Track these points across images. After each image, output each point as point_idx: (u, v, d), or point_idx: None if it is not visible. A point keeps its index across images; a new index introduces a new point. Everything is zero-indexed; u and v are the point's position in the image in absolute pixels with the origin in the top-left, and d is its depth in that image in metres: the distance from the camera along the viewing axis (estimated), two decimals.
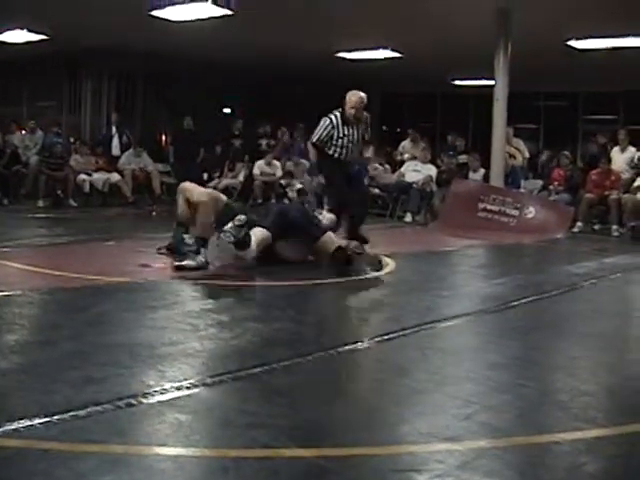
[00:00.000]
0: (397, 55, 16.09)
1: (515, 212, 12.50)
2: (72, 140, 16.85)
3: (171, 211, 14.18)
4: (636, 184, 12.51)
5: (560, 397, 3.65)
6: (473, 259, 8.06)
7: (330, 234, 7.41)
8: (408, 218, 13.54)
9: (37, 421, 2.88)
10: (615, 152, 13.75)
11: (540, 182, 14.67)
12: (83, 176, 14.50)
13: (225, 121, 19.77)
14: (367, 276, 7.09)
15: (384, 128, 21.55)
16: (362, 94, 8.95)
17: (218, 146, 16.98)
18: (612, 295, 7.19)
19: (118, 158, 15.55)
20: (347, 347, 4.30)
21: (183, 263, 6.56)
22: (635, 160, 13.39)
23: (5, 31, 14.56)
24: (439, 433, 3.00)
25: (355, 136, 8.79)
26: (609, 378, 4.12)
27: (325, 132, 8.71)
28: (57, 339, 4.20)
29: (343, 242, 7.51)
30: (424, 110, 22.20)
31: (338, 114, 8.81)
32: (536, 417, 3.35)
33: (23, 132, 16.12)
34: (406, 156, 15.26)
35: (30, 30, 14.44)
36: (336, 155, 8.68)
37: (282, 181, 15.17)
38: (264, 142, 16.97)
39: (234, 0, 10.80)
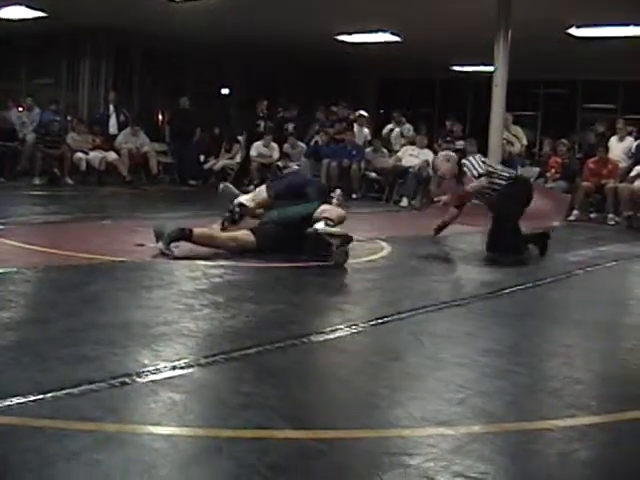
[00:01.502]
0: (397, 39, 16.06)
1: None
2: (69, 118, 16.79)
3: (166, 191, 14.23)
4: (633, 173, 12.51)
5: (553, 384, 3.66)
6: (469, 245, 8.06)
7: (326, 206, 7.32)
8: (404, 202, 13.57)
9: (30, 398, 2.88)
10: (613, 141, 13.76)
11: (537, 169, 14.66)
12: (80, 154, 14.47)
13: (223, 102, 19.77)
14: (363, 259, 7.09)
15: (381, 112, 21.50)
16: None
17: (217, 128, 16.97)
18: (607, 283, 7.20)
19: (115, 137, 15.53)
20: (341, 330, 4.30)
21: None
22: (633, 149, 13.40)
23: (3, 7, 14.49)
24: (432, 417, 3.01)
25: None
26: (602, 366, 4.13)
27: None
28: (52, 317, 4.20)
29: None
30: (423, 95, 22.18)
31: None
32: (529, 403, 3.36)
33: (20, 109, 16.06)
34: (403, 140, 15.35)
35: (28, 6, 14.37)
36: None
37: (279, 163, 15.16)
38: (290, 126, 16.74)
39: None
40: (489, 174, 7.95)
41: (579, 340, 4.68)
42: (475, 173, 7.93)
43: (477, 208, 9.42)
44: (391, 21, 14.73)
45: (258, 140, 15.63)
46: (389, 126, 16.32)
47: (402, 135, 15.56)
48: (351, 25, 15.19)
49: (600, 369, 4.05)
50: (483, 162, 8.13)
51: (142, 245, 6.81)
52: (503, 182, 7.97)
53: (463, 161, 8.19)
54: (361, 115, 16.17)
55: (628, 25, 13.31)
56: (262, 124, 16.76)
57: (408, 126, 15.98)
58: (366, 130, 15.90)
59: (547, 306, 5.72)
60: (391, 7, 13.25)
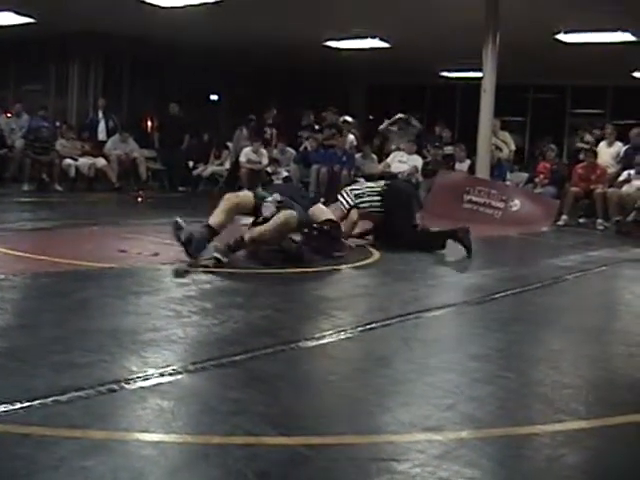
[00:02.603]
0: (385, 45, 16.10)
1: (500, 204, 12.55)
2: (58, 124, 16.78)
3: (156, 197, 14.21)
4: (621, 178, 12.56)
5: (541, 389, 3.66)
6: (458, 250, 8.06)
7: (320, 206, 7.61)
8: None
9: (18, 406, 2.87)
10: (602, 146, 13.81)
11: (526, 175, 14.71)
12: (69, 160, 14.47)
13: (212, 108, 19.77)
14: (352, 265, 7.09)
15: (370, 118, 21.55)
16: None
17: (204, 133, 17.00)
18: (596, 288, 7.23)
19: (104, 143, 15.54)
20: (330, 336, 4.30)
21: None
22: (621, 154, 13.45)
23: None
24: (420, 423, 3.00)
25: None
26: (591, 371, 4.14)
27: None
28: (39, 324, 4.19)
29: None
30: (411, 101, 22.21)
31: None
32: (517, 409, 3.36)
33: (9, 115, 16.04)
34: (393, 146, 15.28)
35: (17, 12, 14.37)
36: None
37: (268, 169, 15.17)
38: (305, 134, 16.41)
39: None
40: (359, 197, 8.45)
41: (568, 345, 4.70)
42: (345, 207, 8.42)
43: (470, 215, 9.52)
44: (379, 27, 14.78)
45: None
46: (385, 123, 16.14)
47: (408, 140, 15.17)
48: (340, 31, 15.22)
49: (589, 374, 4.06)
50: (351, 190, 8.60)
51: (124, 251, 6.82)
52: (376, 198, 8.44)
53: (338, 197, 8.60)
54: (346, 121, 16.11)
55: (616, 31, 13.38)
56: (269, 131, 16.77)
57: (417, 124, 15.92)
58: (351, 136, 15.84)
59: (536, 311, 5.72)
60: (379, 13, 13.31)
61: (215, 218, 6.63)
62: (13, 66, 18.77)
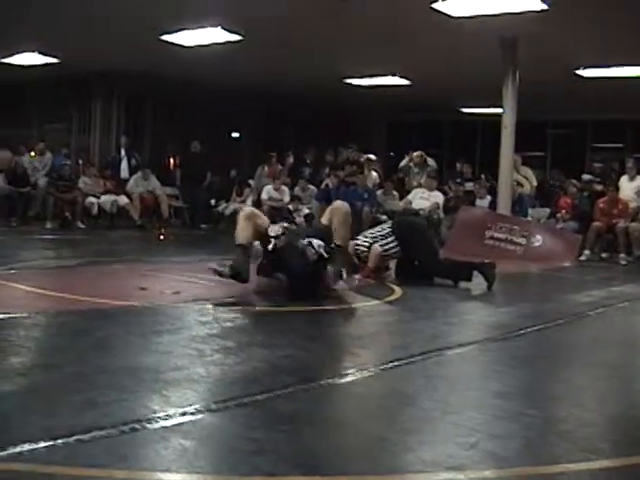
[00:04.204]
0: (405, 82, 16.16)
1: (522, 240, 12.50)
2: (81, 162, 16.92)
3: (178, 235, 14.26)
4: None
5: (565, 427, 3.63)
6: (479, 287, 8.04)
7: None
8: None
9: (41, 445, 2.87)
10: (623, 181, 13.75)
11: (547, 210, 14.66)
12: (91, 198, 14.56)
13: (233, 146, 19.87)
14: (375, 302, 7.09)
15: (391, 154, 21.60)
16: None
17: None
18: (619, 324, 7.17)
19: (126, 181, 15.61)
20: (353, 374, 4.29)
21: None
22: None
23: (17, 53, 14.66)
24: (443, 462, 2.98)
25: None
26: (615, 408, 4.09)
27: None
28: (62, 362, 4.20)
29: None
30: (432, 137, 22.26)
31: None
32: (541, 447, 3.33)
33: (32, 154, 16.19)
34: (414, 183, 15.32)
35: (41, 53, 14.55)
36: None
37: (290, 206, 15.19)
38: (307, 170, 17.02)
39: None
40: (374, 240, 8.57)
41: (591, 382, 4.66)
42: (364, 248, 8.55)
43: (492, 251, 9.50)
44: (399, 65, 14.84)
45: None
46: (406, 159, 16.23)
47: (428, 176, 15.15)
48: (359, 69, 15.31)
49: (612, 411, 4.02)
50: (365, 237, 8.72)
51: (146, 289, 6.85)
52: (390, 239, 8.54)
53: (355, 244, 8.64)
54: (369, 159, 16.17)
55: (635, 65, 13.38)
56: (307, 171, 16.91)
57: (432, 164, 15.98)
58: (374, 174, 15.89)
59: (559, 348, 5.69)
60: (400, 51, 13.38)
61: (241, 235, 6.97)
62: (36, 105, 18.96)
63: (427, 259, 8.43)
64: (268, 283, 7.19)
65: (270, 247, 6.88)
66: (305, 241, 6.80)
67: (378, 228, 8.92)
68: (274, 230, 6.94)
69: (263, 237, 7.10)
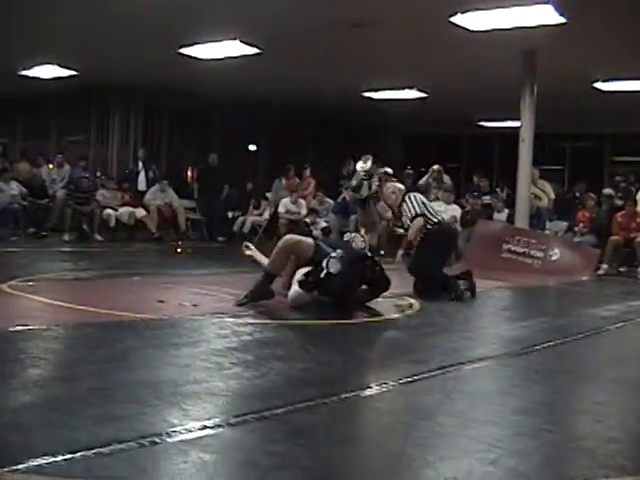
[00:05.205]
0: (423, 95, 16.16)
1: (540, 254, 12.46)
2: (99, 174, 17.00)
3: (195, 247, 14.28)
4: None
5: (587, 443, 3.60)
6: (497, 301, 8.02)
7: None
8: None
9: (60, 458, 2.87)
10: None
11: (565, 224, 14.62)
12: (109, 211, 14.62)
13: (250, 158, 19.90)
14: (393, 316, 7.07)
15: (409, 168, 21.59)
16: None
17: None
18: (638, 339, 7.12)
19: (144, 193, 15.67)
20: (372, 388, 4.28)
21: None
22: None
23: (36, 66, 14.76)
24: (464, 478, 2.96)
25: None
26: (636, 425, 4.06)
27: None
28: (81, 375, 4.20)
29: None
30: (449, 150, 22.22)
31: None
32: (562, 463, 3.30)
33: (50, 166, 16.27)
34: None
35: (60, 65, 14.64)
36: None
37: (307, 219, 15.21)
38: (345, 184, 16.88)
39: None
40: (424, 215, 8.48)
41: (612, 397, 4.62)
42: (410, 214, 8.48)
43: (510, 264, 9.46)
44: (417, 78, 14.85)
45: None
46: (427, 176, 16.23)
47: (445, 190, 15.16)
48: (377, 82, 15.33)
49: (634, 427, 3.99)
50: (423, 203, 8.67)
51: (164, 302, 6.85)
52: (429, 226, 8.47)
53: (405, 199, 8.65)
54: (386, 172, 16.13)
55: None
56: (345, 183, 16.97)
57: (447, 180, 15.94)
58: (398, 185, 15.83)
59: (578, 363, 5.66)
60: (417, 64, 13.39)
61: (274, 263, 6.87)
62: (55, 117, 19.08)
63: (431, 263, 8.35)
64: (304, 298, 6.98)
65: (323, 275, 6.71)
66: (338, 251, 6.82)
67: (435, 210, 8.96)
68: (335, 267, 6.69)
69: (307, 263, 6.93)
